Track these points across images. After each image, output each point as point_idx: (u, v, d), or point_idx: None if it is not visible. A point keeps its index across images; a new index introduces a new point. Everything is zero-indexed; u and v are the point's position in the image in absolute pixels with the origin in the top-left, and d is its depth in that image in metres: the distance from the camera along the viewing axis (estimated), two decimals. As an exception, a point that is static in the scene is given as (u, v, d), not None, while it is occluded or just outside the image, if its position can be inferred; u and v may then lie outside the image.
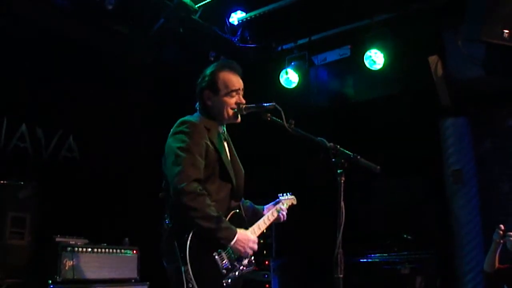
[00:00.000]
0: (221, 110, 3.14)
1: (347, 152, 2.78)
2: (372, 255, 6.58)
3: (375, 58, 6.27)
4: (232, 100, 3.13)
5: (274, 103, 3.01)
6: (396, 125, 6.79)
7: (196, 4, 5.60)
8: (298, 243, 6.97)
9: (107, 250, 5.07)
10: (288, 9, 6.00)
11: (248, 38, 6.62)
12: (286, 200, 3.60)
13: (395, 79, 6.59)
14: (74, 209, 5.52)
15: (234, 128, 3.37)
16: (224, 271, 2.88)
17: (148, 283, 5.30)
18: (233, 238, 2.88)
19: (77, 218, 5.41)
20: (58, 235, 4.88)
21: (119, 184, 6.09)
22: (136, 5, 5.59)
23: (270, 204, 3.53)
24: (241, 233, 2.94)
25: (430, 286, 6.13)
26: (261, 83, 6.66)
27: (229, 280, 2.90)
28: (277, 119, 2.99)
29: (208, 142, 3.02)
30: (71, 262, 4.71)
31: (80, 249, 4.84)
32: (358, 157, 2.78)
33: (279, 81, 6.82)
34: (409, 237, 6.63)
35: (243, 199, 3.43)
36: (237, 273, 2.96)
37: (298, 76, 6.74)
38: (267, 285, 6.67)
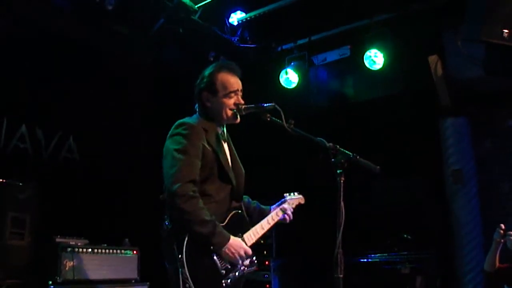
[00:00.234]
0: (219, 111, 3.14)
1: (347, 152, 2.79)
2: (372, 255, 6.58)
3: (374, 58, 6.28)
4: (231, 101, 3.12)
5: (273, 103, 3.01)
6: (396, 125, 6.79)
7: (196, 5, 5.61)
8: (298, 243, 6.96)
9: (107, 250, 5.06)
10: (288, 9, 6.01)
11: (248, 38, 6.62)
12: (293, 200, 3.54)
13: (395, 79, 6.59)
14: (74, 209, 5.52)
15: (234, 129, 3.38)
16: (223, 271, 2.88)
17: (148, 283, 5.30)
18: (224, 245, 2.86)
19: (77, 219, 5.41)
20: (58, 236, 4.87)
21: (119, 184, 6.09)
22: (136, 5, 5.59)
23: (276, 204, 3.49)
24: (233, 239, 2.92)
25: (430, 286, 6.13)
26: (261, 83, 6.68)
27: (229, 281, 2.89)
28: (276, 119, 3.00)
29: (205, 144, 3.03)
30: (71, 263, 4.70)
31: (80, 249, 4.84)
32: (358, 157, 2.79)
33: (279, 81, 6.83)
34: (409, 237, 6.62)
35: (249, 199, 3.45)
36: (237, 273, 2.96)
37: (298, 76, 6.74)
38: (267, 285, 6.67)
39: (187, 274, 2.74)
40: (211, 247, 2.84)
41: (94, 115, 6.07)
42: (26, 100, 5.51)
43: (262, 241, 3.23)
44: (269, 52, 7.00)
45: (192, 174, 2.89)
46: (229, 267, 2.92)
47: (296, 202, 3.56)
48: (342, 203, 2.65)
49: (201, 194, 2.97)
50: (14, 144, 5.47)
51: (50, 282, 4.59)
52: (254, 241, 3.14)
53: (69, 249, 4.75)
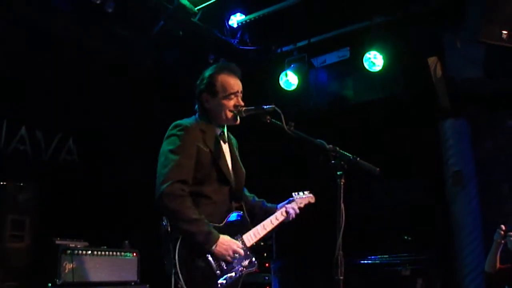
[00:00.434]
0: (219, 113, 3.14)
1: (347, 154, 2.79)
2: (373, 257, 6.57)
3: (374, 60, 6.29)
4: (231, 103, 3.12)
5: (273, 105, 3.01)
6: (396, 127, 6.80)
7: (195, 7, 5.60)
8: (298, 245, 6.96)
9: (107, 252, 5.06)
10: (288, 12, 6.01)
11: (248, 40, 6.62)
12: (301, 199, 3.51)
13: (394, 81, 6.60)
14: (74, 211, 5.51)
15: (234, 130, 3.38)
16: (218, 271, 2.88)
17: (148, 285, 5.29)
18: (214, 243, 2.86)
19: (77, 221, 5.40)
20: (58, 238, 4.86)
21: (119, 186, 6.08)
22: (136, 7, 5.59)
23: (283, 203, 3.46)
24: (223, 237, 2.92)
25: (430, 287, 6.13)
26: (260, 85, 6.67)
27: (225, 281, 2.89)
28: (276, 121, 3.00)
29: (201, 145, 3.04)
30: (71, 265, 4.70)
31: (80, 251, 4.83)
32: (358, 159, 2.80)
33: (279, 83, 6.83)
34: (409, 238, 6.63)
35: (255, 197, 3.45)
36: (234, 274, 2.96)
37: (298, 78, 6.74)
38: (267, 287, 6.67)
39: (179, 274, 2.76)
40: (200, 246, 2.84)
41: (94, 117, 6.07)
42: (26, 102, 5.51)
43: (262, 243, 3.22)
44: (268, 54, 7.00)
45: (183, 174, 2.91)
46: (225, 267, 2.92)
47: (305, 201, 3.53)
48: (342, 205, 2.65)
49: (199, 195, 3.00)
50: (14, 146, 5.48)
51: (50, 285, 4.58)
52: (254, 241, 3.14)
53: (68, 251, 4.74)
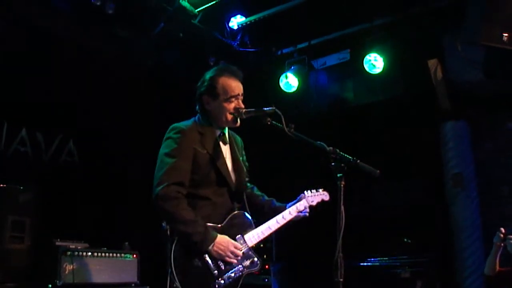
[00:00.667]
0: (219, 115, 3.15)
1: (347, 156, 2.80)
2: (372, 259, 6.57)
3: (374, 62, 6.29)
4: (231, 106, 3.12)
5: (274, 107, 3.02)
6: (396, 129, 6.80)
7: (196, 9, 5.61)
8: (298, 247, 6.96)
9: (107, 254, 5.06)
10: (288, 14, 6.02)
11: (248, 42, 6.63)
12: (313, 197, 3.40)
13: (394, 83, 6.60)
14: (74, 213, 5.51)
15: (234, 131, 3.39)
16: (215, 272, 2.89)
17: (148, 287, 5.28)
18: (210, 243, 2.87)
19: (77, 222, 5.41)
20: (58, 239, 4.86)
21: (119, 188, 6.09)
22: (136, 9, 5.60)
23: (293, 201, 3.37)
24: (220, 237, 2.92)
25: (430, 289, 6.13)
26: (261, 87, 6.68)
27: (223, 281, 2.89)
28: (277, 123, 3.00)
29: (198, 147, 3.05)
30: (71, 266, 4.70)
31: (80, 253, 4.83)
32: (358, 161, 2.80)
33: (279, 85, 6.83)
34: (409, 240, 6.62)
35: (264, 196, 3.44)
36: (234, 274, 2.96)
37: (298, 80, 6.75)
38: (267, 289, 6.66)
39: (174, 273, 2.78)
40: (196, 246, 2.85)
41: (94, 119, 6.07)
42: (26, 103, 5.52)
43: (262, 245, 3.21)
44: (269, 56, 7.00)
45: (178, 176, 2.93)
46: (223, 267, 2.92)
47: (317, 199, 3.42)
48: (342, 207, 2.65)
49: (197, 197, 3.01)
50: (14, 148, 5.48)
51: (50, 286, 4.58)
52: (257, 241, 3.12)
53: (69, 252, 4.74)
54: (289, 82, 6.79)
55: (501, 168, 6.49)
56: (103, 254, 5.02)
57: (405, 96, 6.70)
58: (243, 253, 3.01)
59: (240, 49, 6.57)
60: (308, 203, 3.36)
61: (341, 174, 2.72)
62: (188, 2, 5.50)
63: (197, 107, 3.25)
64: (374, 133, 7.08)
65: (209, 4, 5.59)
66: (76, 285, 4.71)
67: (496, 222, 5.88)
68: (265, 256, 6.78)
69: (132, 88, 6.43)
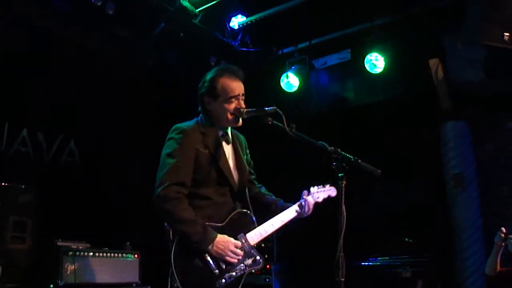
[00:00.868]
0: (220, 115, 3.15)
1: (348, 155, 2.80)
2: (373, 259, 6.57)
3: (375, 62, 6.29)
4: (232, 106, 3.13)
5: (275, 107, 3.02)
6: (397, 129, 6.80)
7: (196, 8, 5.61)
8: (299, 247, 6.96)
9: (108, 254, 5.07)
10: (289, 13, 6.02)
11: (249, 42, 6.64)
12: (318, 192, 3.35)
13: (395, 83, 6.60)
14: (76, 213, 5.51)
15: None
16: (216, 271, 2.90)
17: (149, 287, 5.29)
18: (210, 243, 2.88)
19: (78, 222, 5.41)
20: (60, 239, 4.87)
21: (121, 188, 6.09)
22: (137, 9, 5.60)
23: (299, 200, 3.32)
24: (220, 236, 2.93)
25: (431, 289, 6.13)
26: (262, 87, 6.69)
27: (224, 281, 2.90)
28: (278, 123, 3.00)
29: (200, 147, 3.06)
30: (73, 266, 4.70)
31: (81, 253, 4.84)
32: (359, 160, 2.80)
33: (280, 85, 6.84)
34: (410, 240, 6.62)
35: (272, 196, 3.43)
36: (235, 273, 2.97)
37: (299, 80, 6.75)
38: (268, 289, 6.66)
39: (175, 274, 2.79)
40: (196, 246, 2.86)
41: (95, 119, 6.07)
42: (27, 104, 5.52)
43: (263, 245, 3.20)
44: (269, 56, 7.01)
45: (179, 176, 2.94)
46: (224, 267, 2.93)
47: (323, 195, 3.37)
48: (343, 207, 2.65)
49: (198, 196, 3.03)
50: (15, 148, 5.48)
51: (52, 286, 4.59)
52: (260, 239, 3.12)
53: (70, 252, 4.75)
54: (290, 81, 6.80)
55: (501, 168, 6.48)
56: (104, 254, 5.03)
57: (405, 96, 6.70)
58: (245, 251, 3.02)
59: (241, 49, 6.58)
60: (313, 200, 3.31)
61: (342, 174, 2.73)
62: (188, 2, 5.50)
63: (199, 107, 3.26)
64: (374, 133, 7.07)
65: (210, 4, 5.59)
66: (77, 285, 4.72)
67: (496, 222, 5.87)
68: (266, 256, 6.78)
69: (133, 88, 6.43)
